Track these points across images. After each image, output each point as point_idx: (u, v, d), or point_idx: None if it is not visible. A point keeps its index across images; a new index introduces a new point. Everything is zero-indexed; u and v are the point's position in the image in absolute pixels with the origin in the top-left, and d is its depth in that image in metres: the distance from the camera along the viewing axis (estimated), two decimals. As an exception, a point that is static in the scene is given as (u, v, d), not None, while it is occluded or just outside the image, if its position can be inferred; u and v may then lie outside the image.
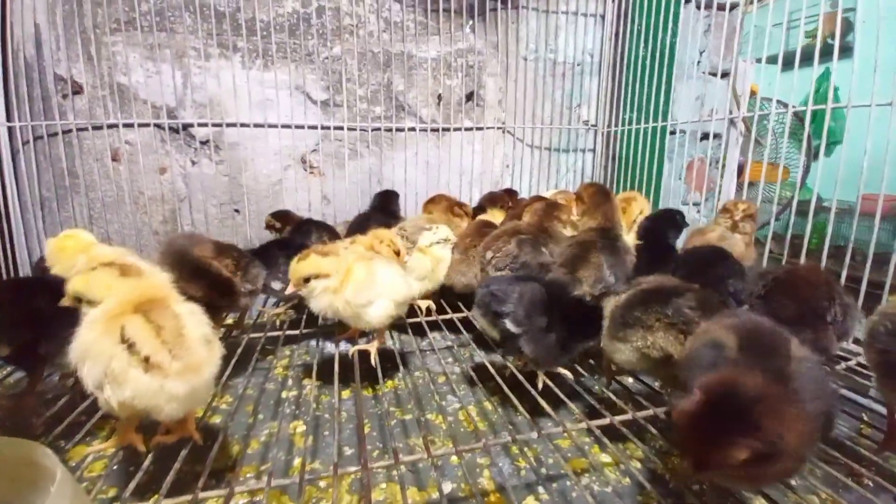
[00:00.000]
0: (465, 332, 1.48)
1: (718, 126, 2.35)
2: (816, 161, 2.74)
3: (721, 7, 2.30)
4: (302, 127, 1.94)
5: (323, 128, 1.97)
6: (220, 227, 1.93)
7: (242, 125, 1.88)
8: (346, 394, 1.31)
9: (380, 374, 1.21)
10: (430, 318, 1.52)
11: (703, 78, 2.47)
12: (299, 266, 1.14)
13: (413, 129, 2.08)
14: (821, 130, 2.24)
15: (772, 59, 2.45)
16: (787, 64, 1.69)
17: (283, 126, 1.92)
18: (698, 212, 2.64)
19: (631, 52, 2.25)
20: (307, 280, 1.13)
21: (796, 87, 1.62)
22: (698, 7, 2.26)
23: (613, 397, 1.12)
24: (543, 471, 1.00)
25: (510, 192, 2.04)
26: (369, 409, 1.23)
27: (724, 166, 2.53)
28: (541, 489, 0.94)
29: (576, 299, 1.15)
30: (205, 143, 1.90)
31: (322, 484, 0.95)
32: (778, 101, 2.27)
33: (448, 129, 2.12)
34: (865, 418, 1.09)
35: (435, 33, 2.05)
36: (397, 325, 1.48)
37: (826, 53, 1.52)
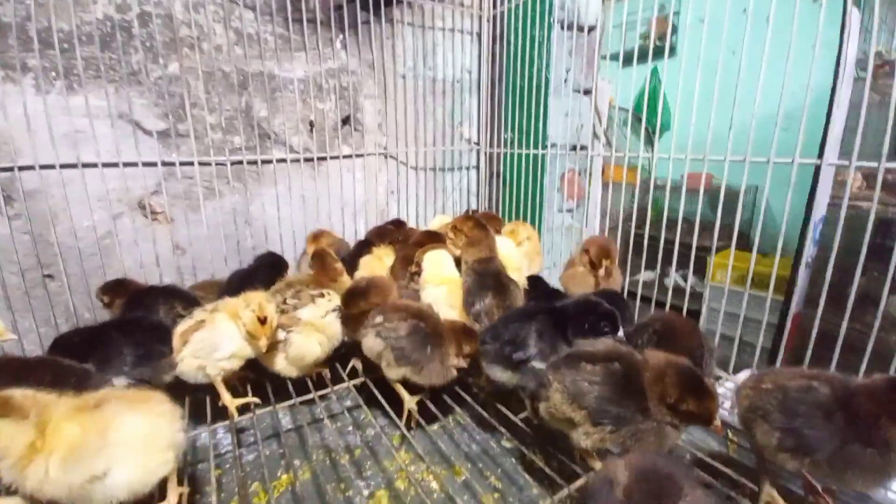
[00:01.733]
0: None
1: (585, 139, 2.53)
2: (653, 147, 3.19)
3: (581, 29, 2.44)
4: (135, 164, 1.55)
5: (164, 164, 1.60)
6: (25, 301, 1.46)
7: (44, 167, 1.43)
8: (231, 507, 1.09)
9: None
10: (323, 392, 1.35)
11: (570, 95, 2.63)
12: None
13: (283, 160, 1.81)
14: (655, 121, 2.63)
15: (613, 57, 2.76)
16: (626, 61, 1.94)
17: (106, 165, 1.51)
18: (572, 217, 2.86)
19: (507, 71, 2.28)
20: None
21: (634, 81, 1.84)
22: (562, 28, 2.37)
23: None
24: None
25: (398, 224, 1.93)
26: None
27: (591, 175, 2.76)
28: None
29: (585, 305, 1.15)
30: (-13, 192, 1.41)
31: None
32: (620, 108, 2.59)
33: (324, 158, 1.90)
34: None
35: (300, 49, 1.79)
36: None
37: (656, 53, 1.80)
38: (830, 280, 1.17)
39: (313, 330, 1.24)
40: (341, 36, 1.88)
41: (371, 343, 1.21)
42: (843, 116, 1.92)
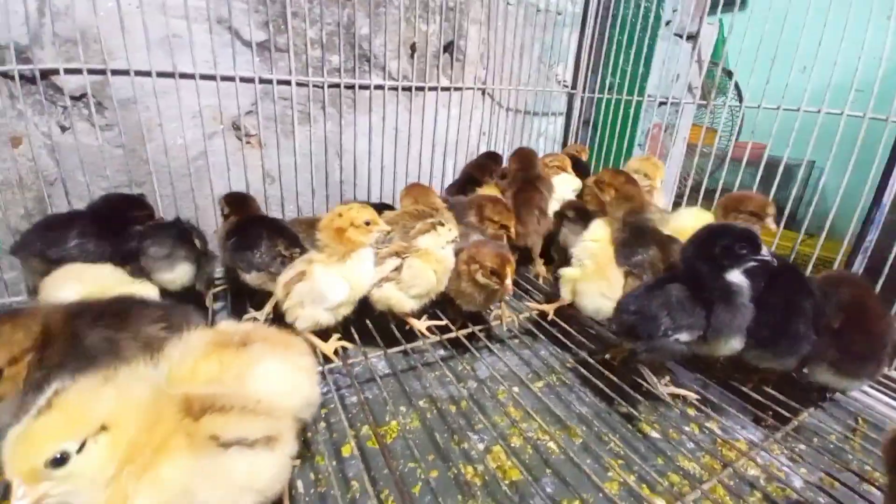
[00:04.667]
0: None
1: (678, 92, 2.29)
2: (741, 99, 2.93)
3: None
4: (232, 79, 1.41)
5: (262, 81, 1.45)
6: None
7: (139, 73, 1.30)
8: (345, 451, 1.05)
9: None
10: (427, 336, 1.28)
11: (671, 40, 2.35)
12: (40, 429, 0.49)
13: (380, 86, 1.64)
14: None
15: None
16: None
17: (204, 77, 1.38)
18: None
19: (616, 4, 2.01)
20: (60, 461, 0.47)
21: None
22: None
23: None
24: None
25: (494, 157, 1.77)
26: (382, 471, 1.01)
27: (677, 132, 2.53)
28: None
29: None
30: (79, 98, 1.29)
31: None
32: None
33: (422, 88, 1.72)
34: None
35: (407, -40, 1.58)
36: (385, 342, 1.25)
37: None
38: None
39: (430, 258, 1.16)
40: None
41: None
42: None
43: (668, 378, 1.14)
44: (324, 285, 1.03)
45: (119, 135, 1.35)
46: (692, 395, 1.09)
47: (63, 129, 1.30)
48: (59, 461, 0.46)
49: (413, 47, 1.67)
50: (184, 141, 1.43)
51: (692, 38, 2.33)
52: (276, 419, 0.64)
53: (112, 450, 0.49)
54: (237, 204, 1.30)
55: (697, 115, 2.88)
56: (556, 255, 1.64)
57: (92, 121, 1.31)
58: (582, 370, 1.26)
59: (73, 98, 1.28)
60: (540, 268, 1.72)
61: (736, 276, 1.00)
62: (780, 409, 1.10)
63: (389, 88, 1.67)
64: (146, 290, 0.99)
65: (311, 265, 1.06)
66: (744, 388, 1.16)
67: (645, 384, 1.13)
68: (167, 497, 0.50)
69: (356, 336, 1.26)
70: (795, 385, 1.20)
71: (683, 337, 1.00)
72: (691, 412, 1.15)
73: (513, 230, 1.34)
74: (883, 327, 0.99)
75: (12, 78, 1.19)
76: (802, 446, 1.04)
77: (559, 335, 1.38)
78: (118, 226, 1.17)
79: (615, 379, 1.16)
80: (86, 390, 0.49)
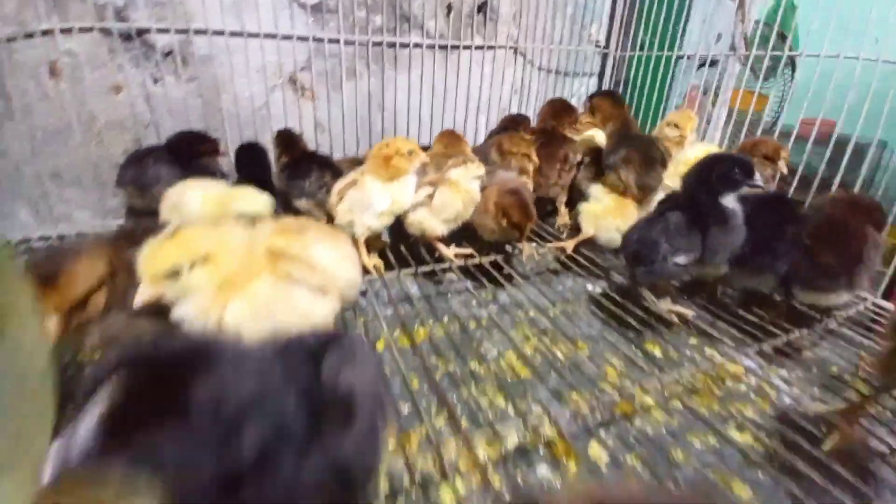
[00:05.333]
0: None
1: (718, 53, 2.27)
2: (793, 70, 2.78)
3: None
4: (290, 38, 1.62)
5: (315, 40, 1.66)
6: (196, 160, 1.65)
7: (215, 33, 1.54)
8: (380, 345, 1.26)
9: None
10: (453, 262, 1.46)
11: (714, -3, 2.32)
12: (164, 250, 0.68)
13: (419, 45, 1.81)
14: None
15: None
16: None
17: (267, 36, 1.60)
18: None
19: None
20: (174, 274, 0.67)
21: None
22: None
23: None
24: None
25: (524, 118, 1.89)
26: (410, 362, 1.20)
27: (717, 95, 2.50)
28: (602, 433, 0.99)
29: None
30: (168, 54, 1.55)
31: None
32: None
33: (457, 47, 1.87)
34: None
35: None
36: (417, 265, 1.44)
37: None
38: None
39: (459, 188, 1.33)
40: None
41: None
42: None
43: (668, 298, 1.26)
44: (372, 193, 1.23)
45: (199, 87, 1.60)
46: (689, 313, 1.20)
47: (155, 80, 1.56)
48: (173, 274, 0.67)
49: (449, 7, 1.81)
50: (250, 93, 1.66)
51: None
52: (327, 280, 0.84)
53: (212, 273, 0.70)
54: (289, 139, 1.51)
55: (745, 80, 2.81)
56: (577, 199, 1.75)
57: (178, 74, 1.56)
58: (596, 300, 1.40)
59: (163, 54, 1.54)
60: (564, 218, 1.84)
61: (730, 202, 1.09)
62: (783, 338, 1.18)
63: (427, 47, 1.83)
64: (254, 200, 1.18)
65: (363, 176, 1.25)
66: (753, 319, 1.23)
67: (649, 308, 1.25)
68: (254, 308, 0.71)
69: (392, 259, 1.46)
70: (802, 317, 1.27)
71: (681, 259, 1.12)
72: (694, 340, 1.26)
73: (534, 156, 1.47)
74: (857, 244, 1.05)
75: (111, 34, 1.45)
76: (800, 373, 1.13)
77: (577, 268, 1.52)
78: (187, 156, 1.42)
79: (627, 307, 1.28)
80: (199, 230, 0.70)
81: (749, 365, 1.14)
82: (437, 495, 0.82)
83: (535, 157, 1.48)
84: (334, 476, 0.41)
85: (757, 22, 2.25)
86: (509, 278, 1.45)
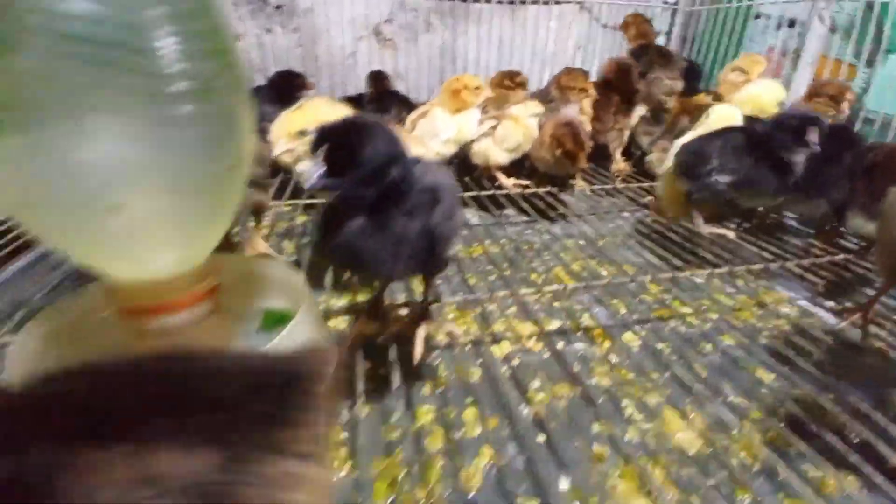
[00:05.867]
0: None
1: (801, 12, 2.19)
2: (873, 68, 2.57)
3: None
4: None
5: (395, -6, 1.87)
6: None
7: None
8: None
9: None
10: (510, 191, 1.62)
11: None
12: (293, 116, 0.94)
13: (490, 0, 1.96)
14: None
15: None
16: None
17: (359, -10, 1.84)
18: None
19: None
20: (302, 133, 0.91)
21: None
22: None
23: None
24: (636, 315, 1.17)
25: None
26: (469, 268, 1.38)
27: (798, 57, 2.40)
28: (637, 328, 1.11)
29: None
30: (278, 7, 1.82)
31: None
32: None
33: (525, 2, 2.00)
34: None
35: None
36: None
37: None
38: None
39: (518, 122, 1.48)
40: None
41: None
42: None
43: (713, 221, 1.33)
44: (439, 122, 1.42)
45: (300, 37, 1.87)
46: (730, 234, 1.27)
47: (267, 30, 1.85)
48: (301, 133, 0.90)
49: (520, -36, 1.95)
50: (342, 42, 1.91)
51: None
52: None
53: None
54: (378, 77, 1.74)
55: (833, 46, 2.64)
56: (635, 151, 1.83)
57: (284, 25, 1.84)
58: (646, 233, 1.49)
59: (275, 7, 1.82)
60: (620, 165, 1.92)
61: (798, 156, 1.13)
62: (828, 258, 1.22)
63: (496, 2, 1.97)
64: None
65: (433, 108, 1.45)
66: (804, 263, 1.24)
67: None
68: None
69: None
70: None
71: (724, 179, 1.19)
72: (740, 273, 1.32)
73: (591, 91, 1.58)
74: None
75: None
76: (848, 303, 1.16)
77: (629, 204, 1.62)
78: (286, 91, 1.65)
79: (674, 239, 1.37)
80: (319, 103, 0.92)
81: (791, 295, 1.19)
82: (488, 352, 0.99)
83: (592, 92, 1.59)
84: (429, 234, 0.61)
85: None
86: (563, 216, 1.58)
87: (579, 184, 1.61)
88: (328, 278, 1.08)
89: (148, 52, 0.36)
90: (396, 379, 0.82)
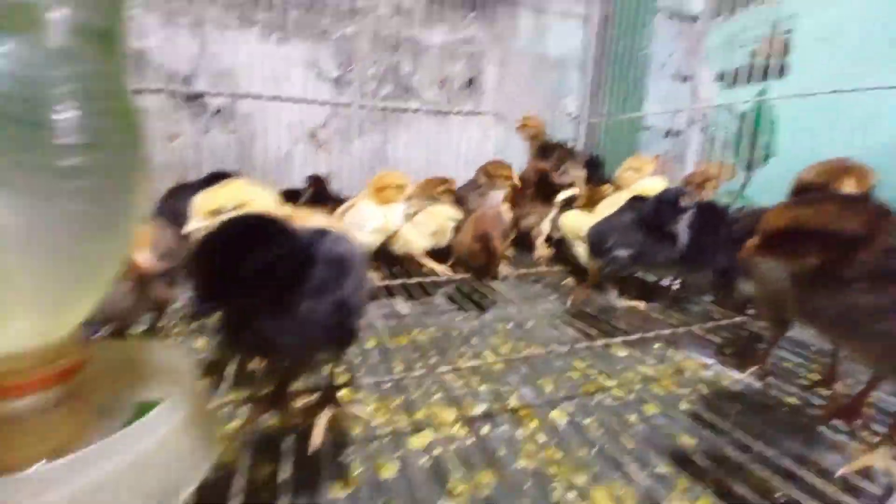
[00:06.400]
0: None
1: (680, 125, 2.65)
2: (751, 171, 3.13)
3: (686, 18, 2.61)
4: (315, 102, 2.03)
5: (333, 104, 2.06)
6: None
7: (257, 97, 1.94)
8: (369, 343, 1.41)
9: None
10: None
11: (670, 80, 2.78)
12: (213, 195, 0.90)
13: (418, 110, 2.22)
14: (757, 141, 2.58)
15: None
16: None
17: (297, 100, 2.00)
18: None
19: (611, 50, 2.52)
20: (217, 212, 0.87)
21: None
22: (667, 15, 2.56)
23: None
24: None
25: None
26: (397, 356, 1.34)
27: (682, 161, 2.84)
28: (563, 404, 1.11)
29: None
30: (218, 112, 1.93)
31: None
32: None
33: (449, 113, 2.28)
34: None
35: (441, 20, 2.21)
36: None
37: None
38: None
39: (437, 215, 1.62)
40: (472, 13, 2.27)
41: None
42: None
43: (626, 296, 1.42)
44: (366, 213, 1.49)
45: (238, 138, 1.96)
46: (642, 305, 1.36)
47: (206, 131, 1.93)
48: (216, 212, 0.90)
49: (442, 82, 2.25)
50: (278, 144, 2.03)
51: (687, 79, 2.76)
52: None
53: None
54: (319, 181, 1.83)
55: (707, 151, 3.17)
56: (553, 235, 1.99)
57: (223, 127, 1.94)
58: (570, 317, 1.55)
59: (213, 112, 1.93)
60: (543, 251, 2.06)
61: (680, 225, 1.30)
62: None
63: (424, 112, 2.23)
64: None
65: (360, 201, 1.52)
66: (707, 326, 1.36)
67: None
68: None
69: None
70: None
71: (622, 252, 1.31)
72: (657, 346, 1.40)
73: (515, 179, 1.74)
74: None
75: (177, 96, 1.85)
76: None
77: (554, 288, 1.70)
78: None
79: (594, 314, 1.45)
80: (242, 185, 0.95)
81: (707, 361, 1.27)
82: (407, 442, 0.94)
83: (515, 179, 1.76)
84: (340, 308, 0.61)
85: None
86: (493, 302, 1.63)
87: (504, 270, 1.70)
88: (230, 368, 1.01)
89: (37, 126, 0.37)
90: (296, 479, 0.74)
